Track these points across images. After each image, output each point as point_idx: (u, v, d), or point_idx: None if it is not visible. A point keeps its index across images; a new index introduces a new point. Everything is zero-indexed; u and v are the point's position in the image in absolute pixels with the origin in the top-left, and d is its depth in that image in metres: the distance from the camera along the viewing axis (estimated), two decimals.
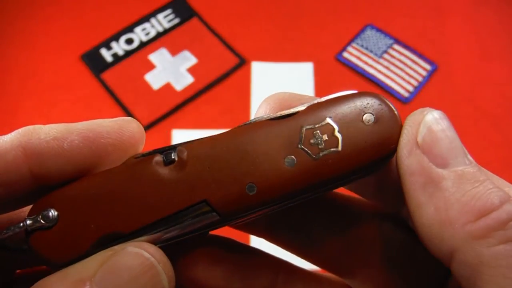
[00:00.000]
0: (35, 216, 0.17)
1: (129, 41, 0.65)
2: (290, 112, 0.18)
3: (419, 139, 0.17)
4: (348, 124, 0.18)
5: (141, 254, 0.16)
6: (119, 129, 0.18)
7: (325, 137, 0.18)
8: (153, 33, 0.66)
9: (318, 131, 0.18)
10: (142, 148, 0.19)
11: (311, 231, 0.21)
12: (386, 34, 0.66)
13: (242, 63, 0.64)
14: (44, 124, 0.18)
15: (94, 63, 0.64)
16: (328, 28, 0.67)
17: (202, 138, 0.18)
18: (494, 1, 0.69)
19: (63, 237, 0.17)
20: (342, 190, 0.21)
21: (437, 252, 0.16)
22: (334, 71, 0.63)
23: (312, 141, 0.18)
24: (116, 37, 0.66)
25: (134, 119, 0.18)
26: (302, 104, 0.19)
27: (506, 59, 0.64)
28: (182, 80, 0.63)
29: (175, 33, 0.66)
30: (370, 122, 0.18)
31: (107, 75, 0.63)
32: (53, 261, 0.17)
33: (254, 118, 0.19)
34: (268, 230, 0.22)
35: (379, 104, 0.18)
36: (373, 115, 0.18)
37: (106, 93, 0.61)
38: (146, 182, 0.17)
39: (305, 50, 0.65)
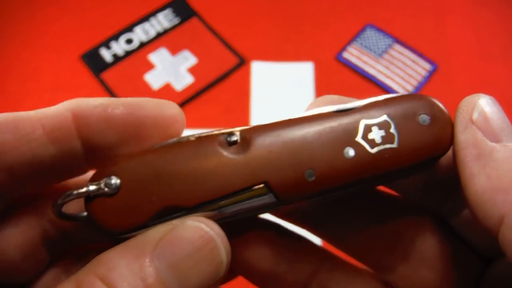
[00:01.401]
0: (98, 182, 0.17)
1: (129, 41, 0.65)
2: (348, 107, 0.19)
3: (474, 116, 0.18)
4: (404, 122, 0.19)
5: (200, 228, 0.17)
6: (161, 105, 0.19)
7: (382, 132, 0.19)
8: (153, 33, 0.66)
9: (376, 127, 0.19)
10: (183, 131, 0.19)
11: (354, 225, 0.22)
12: (386, 34, 0.66)
13: (242, 63, 0.64)
14: None
15: (94, 63, 0.64)
16: (328, 28, 0.67)
17: (265, 124, 0.19)
18: (494, 1, 0.69)
19: (124, 206, 0.17)
20: (383, 188, 0.22)
21: (487, 218, 0.17)
22: (334, 71, 0.63)
23: (370, 135, 0.18)
24: (116, 37, 0.66)
25: (176, 104, 0.19)
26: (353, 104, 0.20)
27: (506, 59, 0.64)
28: (182, 80, 0.63)
29: (175, 33, 0.67)
30: (425, 123, 0.19)
31: (107, 75, 0.63)
32: (111, 230, 0.17)
33: (312, 110, 0.20)
34: (312, 221, 0.22)
35: (433, 107, 0.19)
36: (428, 116, 0.19)
37: (106, 93, 0.61)
38: (209, 160, 0.18)
39: (305, 50, 0.65)
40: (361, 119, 0.19)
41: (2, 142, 0.17)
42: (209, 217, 0.18)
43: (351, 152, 0.18)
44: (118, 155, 0.18)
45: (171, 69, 0.64)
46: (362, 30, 0.66)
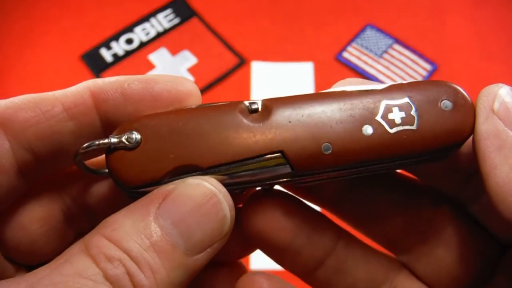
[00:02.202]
0: (120, 135, 0.18)
1: (129, 41, 0.65)
2: (370, 88, 0.19)
3: (496, 106, 0.18)
4: (425, 106, 0.19)
5: (202, 185, 0.17)
6: (175, 80, 0.19)
7: (402, 114, 0.19)
8: (153, 33, 0.66)
9: (397, 108, 0.19)
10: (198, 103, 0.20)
11: (374, 207, 0.22)
12: (386, 34, 0.66)
13: (242, 63, 0.64)
14: None
15: (94, 63, 0.64)
16: (328, 28, 0.67)
17: (287, 96, 0.19)
18: (494, 1, 0.69)
19: (142, 161, 0.18)
20: (403, 172, 0.22)
21: (508, 210, 0.17)
22: (334, 71, 0.63)
23: (390, 116, 0.19)
24: (116, 37, 0.66)
25: (191, 80, 0.20)
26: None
27: (506, 59, 0.64)
28: None
29: (175, 33, 0.66)
30: (447, 108, 0.19)
31: (107, 75, 0.63)
32: (128, 184, 0.18)
33: (335, 88, 0.20)
34: (332, 202, 0.23)
35: (456, 93, 0.19)
36: (450, 102, 0.19)
37: None
38: (229, 125, 0.18)
39: (305, 50, 0.65)
40: (383, 99, 0.19)
41: (23, 119, 0.17)
42: (222, 181, 0.18)
43: (369, 130, 0.18)
44: (141, 115, 0.19)
45: (171, 69, 0.64)
46: (362, 30, 0.66)
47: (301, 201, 0.22)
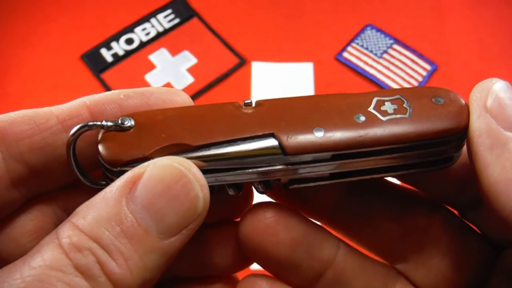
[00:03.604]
0: (114, 120, 0.18)
1: (129, 41, 0.65)
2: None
3: (488, 103, 0.18)
4: (417, 101, 0.19)
5: (170, 165, 0.17)
6: (170, 93, 0.20)
7: (395, 106, 0.19)
8: (153, 33, 0.66)
9: (389, 102, 0.19)
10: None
11: (370, 216, 0.22)
12: (386, 34, 0.66)
13: (242, 63, 0.64)
14: None
15: (94, 63, 0.64)
16: (328, 28, 0.67)
17: (281, 98, 0.20)
18: (494, 1, 0.69)
19: (133, 139, 0.18)
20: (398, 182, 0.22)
21: (501, 209, 0.17)
22: (334, 71, 0.63)
23: (382, 107, 0.19)
24: (116, 37, 0.66)
25: (184, 92, 0.20)
26: None
27: (506, 59, 0.64)
28: (182, 80, 0.63)
29: (175, 33, 0.66)
30: (439, 103, 0.19)
31: (107, 75, 0.63)
32: (116, 159, 0.17)
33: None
34: (328, 213, 0.23)
35: (448, 92, 0.19)
36: (442, 98, 0.19)
37: None
38: (222, 111, 0.19)
39: (305, 50, 0.65)
40: (375, 96, 0.19)
41: (17, 132, 0.18)
42: (210, 167, 0.18)
43: (362, 117, 0.18)
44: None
45: (171, 69, 0.64)
46: (362, 30, 0.66)
47: (299, 213, 0.22)
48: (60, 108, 0.19)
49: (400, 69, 0.63)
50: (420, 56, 0.64)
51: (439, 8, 0.68)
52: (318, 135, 0.18)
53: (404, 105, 0.19)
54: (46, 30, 0.66)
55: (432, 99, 0.19)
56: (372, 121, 0.18)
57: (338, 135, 0.18)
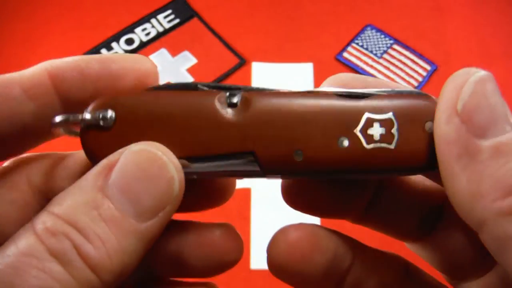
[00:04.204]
0: (94, 112, 0.18)
1: (129, 41, 0.66)
2: (357, 93, 0.18)
3: (459, 106, 0.16)
4: (408, 125, 0.18)
5: (145, 149, 0.17)
6: (133, 59, 0.19)
7: (382, 130, 0.18)
8: (153, 33, 0.66)
9: (378, 123, 0.18)
10: (156, 82, 0.20)
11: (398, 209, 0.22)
12: (386, 34, 0.66)
13: (242, 63, 0.64)
14: None
15: None
16: (328, 28, 0.67)
17: (269, 91, 0.19)
18: (494, 1, 0.69)
19: (116, 142, 0.17)
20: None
21: (467, 220, 0.16)
22: (334, 71, 0.63)
23: (369, 130, 0.18)
24: (116, 37, 0.66)
25: (149, 58, 0.20)
26: (366, 87, 0.19)
27: (506, 59, 0.64)
28: (182, 80, 0.63)
29: (175, 34, 0.67)
30: (429, 130, 0.18)
31: None
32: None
33: (322, 88, 0.19)
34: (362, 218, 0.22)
35: None
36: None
37: None
38: (205, 115, 0.18)
39: (305, 51, 0.65)
40: (365, 111, 0.18)
41: None
42: (186, 170, 0.18)
43: (345, 142, 0.18)
44: (116, 92, 0.19)
45: (172, 70, 0.64)
46: (362, 30, 0.66)
47: (327, 229, 0.21)
48: (22, 76, 0.19)
49: (400, 69, 0.63)
50: (420, 56, 0.64)
51: (439, 8, 0.68)
52: (298, 159, 0.18)
53: (393, 130, 0.18)
54: (47, 30, 0.66)
55: (425, 125, 0.18)
56: (355, 147, 0.18)
57: (318, 160, 0.18)
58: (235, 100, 0.18)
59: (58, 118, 0.18)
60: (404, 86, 0.19)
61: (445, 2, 0.69)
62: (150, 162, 0.16)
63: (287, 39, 0.66)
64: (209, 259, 0.21)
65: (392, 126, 0.18)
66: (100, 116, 0.18)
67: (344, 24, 0.67)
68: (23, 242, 0.15)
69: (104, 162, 0.17)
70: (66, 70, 0.19)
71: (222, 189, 0.22)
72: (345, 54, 0.64)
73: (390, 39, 0.65)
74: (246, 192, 0.54)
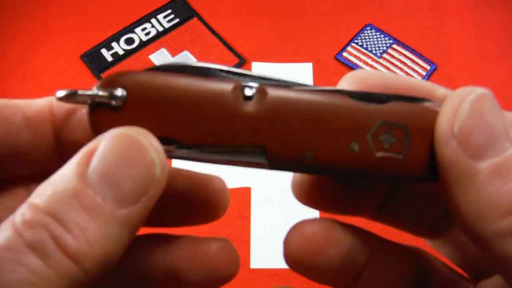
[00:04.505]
0: (106, 89, 0.17)
1: (129, 41, 0.66)
2: (373, 95, 0.18)
3: (455, 129, 0.16)
4: (419, 137, 0.18)
5: (122, 133, 0.16)
6: None
7: (393, 139, 0.18)
8: (153, 33, 0.66)
9: (390, 132, 0.18)
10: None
11: (418, 206, 0.22)
12: (386, 34, 0.66)
13: (242, 63, 0.64)
14: None
15: (94, 63, 0.64)
16: (328, 28, 0.67)
17: (285, 83, 0.18)
18: (494, 2, 0.69)
19: (124, 123, 0.17)
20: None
21: (470, 239, 0.16)
22: (334, 70, 0.63)
23: (380, 137, 0.18)
24: (116, 37, 0.66)
25: None
26: (385, 84, 0.19)
27: (506, 59, 0.64)
28: None
29: (175, 33, 0.67)
30: None
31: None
32: None
33: (340, 87, 0.19)
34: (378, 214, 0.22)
35: None
36: None
37: None
38: (218, 105, 0.18)
39: (304, 50, 0.65)
40: (379, 118, 0.18)
41: None
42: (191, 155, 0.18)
43: (356, 147, 0.18)
44: (128, 70, 0.18)
45: None
46: (362, 30, 0.66)
47: (343, 224, 0.21)
48: (27, 105, 0.19)
49: (399, 69, 0.63)
50: (420, 56, 0.64)
51: (438, 8, 0.68)
52: (307, 159, 0.18)
53: (403, 141, 0.18)
54: (47, 30, 0.66)
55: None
56: (364, 154, 0.18)
57: (327, 162, 0.18)
58: (250, 93, 0.18)
59: (61, 93, 0.17)
60: (423, 84, 0.19)
61: (445, 2, 0.69)
62: (128, 145, 0.16)
63: (287, 39, 0.66)
64: (206, 274, 0.21)
65: (403, 137, 0.18)
66: (111, 94, 0.17)
67: (344, 24, 0.67)
68: (2, 235, 0.15)
69: (84, 149, 0.16)
70: (64, 111, 0.19)
71: (215, 205, 0.22)
72: (345, 54, 0.64)
73: (389, 39, 0.65)
74: (246, 191, 0.54)
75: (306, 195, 0.22)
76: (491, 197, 0.15)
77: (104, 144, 0.16)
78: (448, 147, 0.16)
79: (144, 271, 0.17)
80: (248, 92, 0.18)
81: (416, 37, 0.66)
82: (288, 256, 0.21)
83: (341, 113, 0.18)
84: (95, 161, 0.16)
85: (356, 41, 0.65)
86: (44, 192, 0.15)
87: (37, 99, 0.19)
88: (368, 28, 0.67)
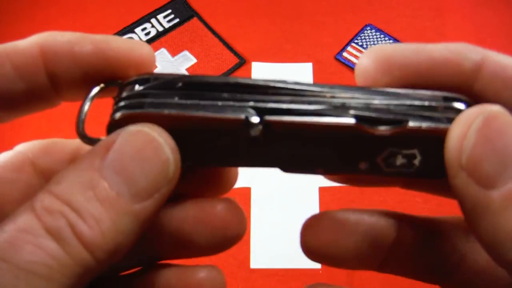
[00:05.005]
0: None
1: None
2: (387, 120, 0.17)
3: (463, 161, 0.15)
4: (431, 157, 0.17)
5: (141, 130, 0.17)
6: (130, 44, 0.19)
7: (404, 160, 0.18)
8: (153, 33, 0.66)
9: (401, 155, 0.17)
10: (153, 70, 0.20)
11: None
12: (386, 34, 0.66)
13: (242, 63, 0.64)
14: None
15: None
16: (328, 28, 0.67)
17: (294, 119, 0.17)
18: (494, 2, 0.69)
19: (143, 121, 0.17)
20: None
21: (496, 262, 0.16)
22: (334, 70, 0.63)
23: (391, 159, 0.18)
24: None
25: (146, 43, 0.19)
26: (407, 61, 0.18)
27: None
28: None
29: (175, 33, 0.67)
30: None
31: None
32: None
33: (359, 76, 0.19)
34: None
35: None
36: None
37: None
38: (227, 141, 0.18)
39: (304, 51, 0.65)
40: (390, 146, 0.17)
41: None
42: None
43: (365, 165, 0.18)
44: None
45: (171, 70, 0.64)
46: (362, 30, 0.66)
47: (355, 211, 0.21)
48: (14, 51, 0.19)
49: None
50: None
51: (438, 8, 0.68)
52: (319, 172, 0.19)
53: (415, 161, 0.17)
54: (47, 30, 0.66)
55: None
56: (373, 170, 0.18)
57: (337, 176, 0.20)
58: (255, 133, 0.17)
59: (96, 90, 0.18)
60: (449, 57, 0.17)
61: (445, 2, 0.69)
62: (145, 143, 0.17)
63: (287, 39, 0.66)
64: (212, 235, 0.21)
65: (415, 158, 0.17)
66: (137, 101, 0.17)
67: (344, 24, 0.67)
68: (21, 219, 0.15)
69: (102, 142, 0.17)
70: (57, 50, 0.18)
71: (224, 177, 0.22)
72: (345, 54, 0.64)
73: (389, 39, 0.65)
74: (246, 191, 0.54)
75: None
76: (506, 226, 0.15)
77: (122, 139, 0.17)
78: (458, 179, 0.16)
79: (149, 236, 0.17)
80: (253, 132, 0.17)
81: (416, 37, 0.66)
82: (304, 249, 0.21)
83: (350, 141, 0.17)
84: (112, 155, 0.16)
85: (356, 41, 0.65)
86: (62, 181, 0.16)
87: (21, 42, 0.19)
88: (368, 28, 0.67)
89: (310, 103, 0.17)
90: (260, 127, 0.17)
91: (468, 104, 0.17)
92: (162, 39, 0.66)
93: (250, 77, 0.18)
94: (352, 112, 0.17)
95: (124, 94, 0.18)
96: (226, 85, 0.17)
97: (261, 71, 0.63)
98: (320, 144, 0.18)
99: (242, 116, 0.17)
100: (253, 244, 0.51)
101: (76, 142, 0.21)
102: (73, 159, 0.20)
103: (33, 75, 0.18)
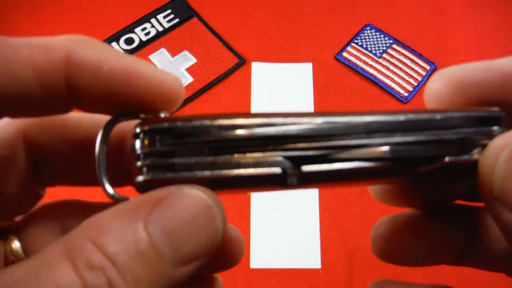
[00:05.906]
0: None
1: (129, 41, 0.66)
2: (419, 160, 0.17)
3: (495, 193, 0.16)
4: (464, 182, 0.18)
5: (197, 195, 0.16)
6: (163, 78, 0.18)
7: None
8: (153, 33, 0.66)
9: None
10: (179, 105, 0.19)
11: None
12: (386, 34, 0.66)
13: (242, 63, 0.64)
14: None
15: None
16: (328, 28, 0.67)
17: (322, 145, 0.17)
18: (493, 2, 0.69)
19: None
20: None
21: None
22: (334, 70, 0.63)
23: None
24: (116, 37, 0.66)
25: (178, 78, 0.18)
26: (476, 81, 0.18)
27: None
28: (182, 80, 0.63)
29: (175, 33, 0.67)
30: None
31: None
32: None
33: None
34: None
35: None
36: None
37: None
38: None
39: (304, 51, 0.65)
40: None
41: None
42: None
43: None
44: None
45: (171, 69, 0.64)
46: (362, 30, 0.66)
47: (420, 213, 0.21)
48: (39, 54, 0.17)
49: (399, 69, 0.63)
50: (420, 56, 0.64)
51: (438, 8, 0.69)
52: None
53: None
54: (47, 30, 0.66)
55: None
56: None
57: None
58: (293, 182, 0.17)
59: (108, 130, 0.18)
60: None
61: (445, 2, 0.69)
62: (200, 210, 0.16)
63: (287, 39, 0.66)
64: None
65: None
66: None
67: (344, 24, 0.67)
68: (58, 268, 0.14)
69: (151, 195, 0.16)
70: (84, 64, 0.17)
71: (232, 253, 0.22)
72: (345, 54, 0.64)
73: (389, 39, 0.66)
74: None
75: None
76: None
77: (176, 199, 0.16)
78: (493, 210, 0.16)
79: None
80: (290, 181, 0.17)
81: (416, 37, 0.66)
82: (375, 251, 0.21)
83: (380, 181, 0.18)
84: (162, 213, 0.15)
85: (356, 41, 0.65)
86: (104, 230, 0.15)
87: (50, 40, 0.17)
88: (368, 28, 0.67)
89: (343, 148, 0.17)
90: (297, 177, 0.17)
91: (501, 126, 0.17)
92: (162, 39, 0.66)
93: (278, 121, 0.16)
94: (389, 155, 0.17)
95: (148, 150, 0.16)
96: (255, 139, 0.17)
97: (261, 71, 0.63)
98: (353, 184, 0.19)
99: (278, 170, 0.16)
100: (253, 244, 0.51)
101: (67, 118, 0.20)
102: (62, 134, 0.19)
103: (52, 85, 0.17)
